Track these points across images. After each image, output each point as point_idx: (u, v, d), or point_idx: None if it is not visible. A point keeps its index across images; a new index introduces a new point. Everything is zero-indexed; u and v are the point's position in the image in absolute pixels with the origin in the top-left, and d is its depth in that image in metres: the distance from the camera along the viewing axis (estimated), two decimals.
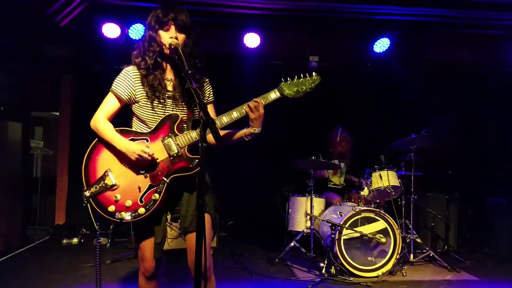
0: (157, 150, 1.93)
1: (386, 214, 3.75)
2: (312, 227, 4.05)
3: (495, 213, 4.84)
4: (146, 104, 1.98)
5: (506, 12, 4.51)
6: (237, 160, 4.90)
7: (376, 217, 3.72)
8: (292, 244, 4.11)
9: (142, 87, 1.97)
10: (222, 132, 2.05)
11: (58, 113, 5.81)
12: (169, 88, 2.01)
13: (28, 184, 5.32)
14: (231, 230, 5.34)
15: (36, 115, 6.15)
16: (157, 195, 1.89)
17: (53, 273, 3.70)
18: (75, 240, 4.88)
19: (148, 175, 1.92)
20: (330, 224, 3.63)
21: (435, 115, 5.40)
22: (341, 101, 5.75)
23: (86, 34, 4.80)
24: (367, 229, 3.67)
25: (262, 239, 5.00)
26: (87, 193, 1.89)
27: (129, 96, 1.99)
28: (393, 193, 4.06)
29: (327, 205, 4.38)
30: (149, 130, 1.98)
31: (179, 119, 1.96)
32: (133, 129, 2.04)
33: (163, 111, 1.99)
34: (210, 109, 2.11)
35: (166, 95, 1.98)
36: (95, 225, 1.91)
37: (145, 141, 1.96)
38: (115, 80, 2.00)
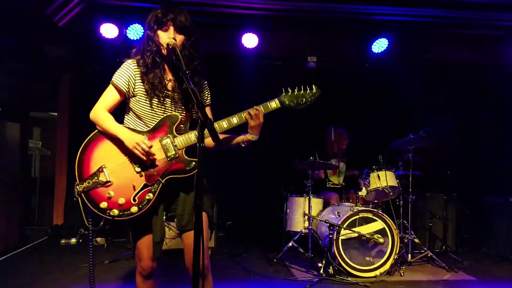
0: (155, 150, 1.92)
1: (384, 214, 3.76)
2: (310, 227, 4.05)
3: (493, 213, 4.84)
4: (144, 100, 1.97)
5: (506, 12, 4.51)
6: (235, 161, 4.89)
7: (374, 217, 3.73)
8: (290, 244, 4.11)
9: (142, 83, 1.97)
10: (220, 136, 2.05)
11: (56, 113, 5.81)
12: (169, 88, 2.01)
13: (26, 184, 5.31)
14: (229, 230, 5.33)
15: (34, 115, 6.15)
16: (151, 195, 1.89)
17: (51, 273, 3.69)
18: (73, 240, 4.88)
19: (143, 174, 1.91)
20: (328, 224, 3.64)
21: (433, 115, 5.41)
22: (340, 101, 5.75)
23: (84, 35, 4.80)
24: (365, 229, 3.67)
25: (260, 239, 5.00)
26: (79, 188, 1.87)
27: (128, 89, 1.98)
28: (391, 194, 4.07)
29: (325, 205, 4.38)
30: (147, 128, 1.98)
31: (178, 120, 1.95)
32: (129, 125, 2.02)
33: (162, 110, 1.98)
34: (208, 112, 2.11)
35: (166, 94, 1.98)
36: (86, 221, 1.90)
37: None
38: (116, 72, 2.00)
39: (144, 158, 1.88)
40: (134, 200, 1.88)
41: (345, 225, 3.65)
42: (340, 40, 5.24)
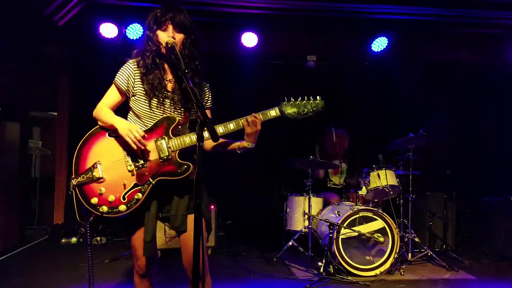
0: (149, 149, 1.93)
1: (384, 213, 3.76)
2: (310, 226, 4.05)
3: (493, 212, 4.84)
4: (144, 100, 1.98)
5: (506, 11, 4.51)
6: (235, 160, 4.88)
7: (374, 216, 3.73)
8: (290, 243, 4.11)
9: (141, 83, 1.98)
10: None
11: (56, 113, 5.81)
12: (169, 88, 2.01)
13: (26, 184, 5.32)
14: (229, 230, 5.33)
15: (34, 115, 6.15)
16: (140, 195, 1.89)
17: (51, 272, 3.70)
18: (73, 239, 4.89)
19: (135, 172, 1.91)
20: (328, 224, 3.64)
21: (433, 114, 5.40)
22: (339, 100, 5.75)
23: (83, 34, 4.80)
24: (365, 229, 3.67)
25: (260, 239, 5.00)
26: (73, 182, 1.90)
27: (127, 88, 2.00)
28: (391, 193, 4.07)
29: (325, 204, 4.38)
30: (145, 128, 1.98)
31: (176, 122, 1.95)
32: None
33: (161, 111, 1.99)
34: (208, 115, 2.10)
35: (165, 95, 1.98)
36: (78, 215, 1.91)
37: None
38: (118, 72, 2.03)
39: (135, 147, 1.87)
40: (124, 199, 1.89)
41: (345, 224, 3.65)
42: (339, 39, 5.23)
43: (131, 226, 2.00)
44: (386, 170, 4.03)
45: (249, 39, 4.88)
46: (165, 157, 1.91)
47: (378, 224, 3.71)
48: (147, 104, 1.98)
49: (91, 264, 2.05)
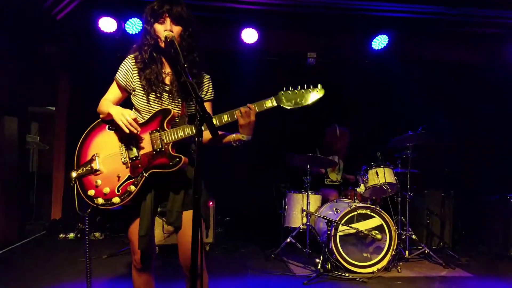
0: (144, 142, 1.93)
1: (382, 211, 3.77)
2: (308, 223, 4.06)
3: (490, 210, 4.86)
4: (142, 95, 1.99)
5: (506, 10, 4.50)
6: (233, 156, 4.89)
7: (372, 213, 3.74)
8: (288, 240, 4.12)
9: (139, 78, 1.99)
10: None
11: (54, 108, 5.79)
12: (167, 82, 2.01)
13: (24, 179, 5.29)
14: (227, 226, 5.34)
15: (32, 110, 6.12)
16: (133, 187, 1.89)
17: (49, 267, 3.70)
18: (71, 235, 4.88)
19: (129, 164, 1.92)
20: (326, 221, 3.66)
21: (432, 112, 5.40)
22: (339, 98, 5.74)
23: (82, 29, 4.77)
24: (363, 226, 3.69)
25: (258, 235, 5.01)
26: (74, 174, 1.93)
27: (125, 83, 2.01)
28: (389, 190, 4.08)
29: (324, 201, 4.40)
30: (143, 121, 1.98)
31: (170, 115, 1.94)
32: None
33: (159, 105, 1.99)
34: (208, 107, 2.09)
35: (163, 89, 1.98)
36: (77, 206, 1.92)
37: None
38: (119, 68, 2.04)
39: (127, 130, 1.87)
40: (118, 191, 1.90)
41: (343, 221, 3.65)
42: (340, 36, 5.22)
43: (129, 219, 2.01)
44: (385, 168, 4.03)
45: (250, 35, 4.86)
46: (158, 149, 1.91)
47: (376, 221, 3.72)
48: (145, 99, 1.98)
49: (88, 258, 2.05)
